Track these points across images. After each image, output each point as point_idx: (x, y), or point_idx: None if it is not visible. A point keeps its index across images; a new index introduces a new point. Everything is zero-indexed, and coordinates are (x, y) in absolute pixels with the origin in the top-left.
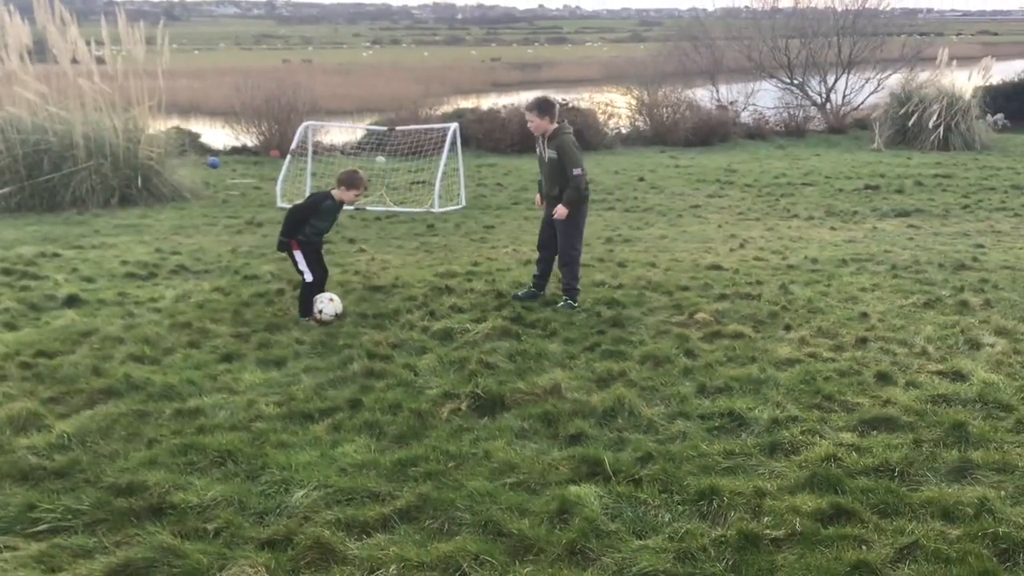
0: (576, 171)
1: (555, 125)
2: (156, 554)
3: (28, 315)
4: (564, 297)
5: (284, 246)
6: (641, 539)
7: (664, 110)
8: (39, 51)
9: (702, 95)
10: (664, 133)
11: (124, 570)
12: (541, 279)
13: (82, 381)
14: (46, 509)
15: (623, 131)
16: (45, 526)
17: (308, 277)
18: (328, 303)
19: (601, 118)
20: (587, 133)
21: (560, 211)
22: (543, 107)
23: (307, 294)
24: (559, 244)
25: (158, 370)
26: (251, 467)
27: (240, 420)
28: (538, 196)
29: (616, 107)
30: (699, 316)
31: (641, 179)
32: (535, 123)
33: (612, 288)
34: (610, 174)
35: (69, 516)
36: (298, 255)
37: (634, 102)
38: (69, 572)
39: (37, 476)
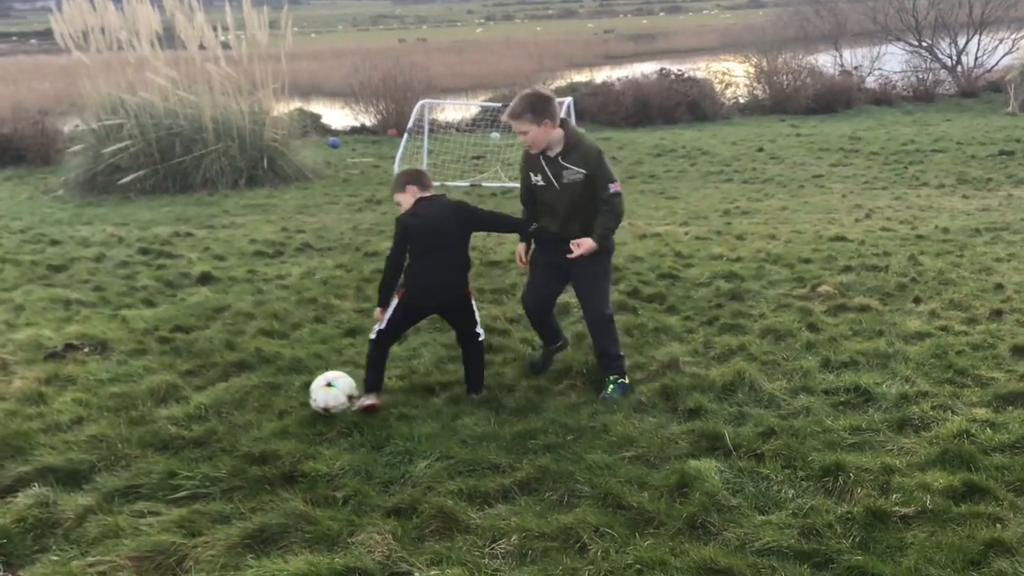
0: (613, 187)
1: (560, 130)
2: (289, 520)
3: (165, 292)
4: (610, 377)
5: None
6: (764, 514)
7: (784, 77)
8: (168, 38)
9: (824, 61)
10: (784, 101)
11: (259, 535)
12: (553, 339)
13: (216, 355)
14: (186, 476)
15: (741, 100)
16: (185, 492)
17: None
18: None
19: (718, 88)
20: (703, 103)
21: (587, 245)
22: (537, 107)
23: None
24: (587, 304)
25: (287, 344)
26: (376, 438)
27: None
28: (521, 247)
29: (734, 76)
30: (822, 289)
31: (760, 149)
32: (532, 134)
33: (731, 261)
34: (727, 145)
35: (207, 483)
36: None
37: (752, 70)
38: (208, 536)
39: (177, 445)
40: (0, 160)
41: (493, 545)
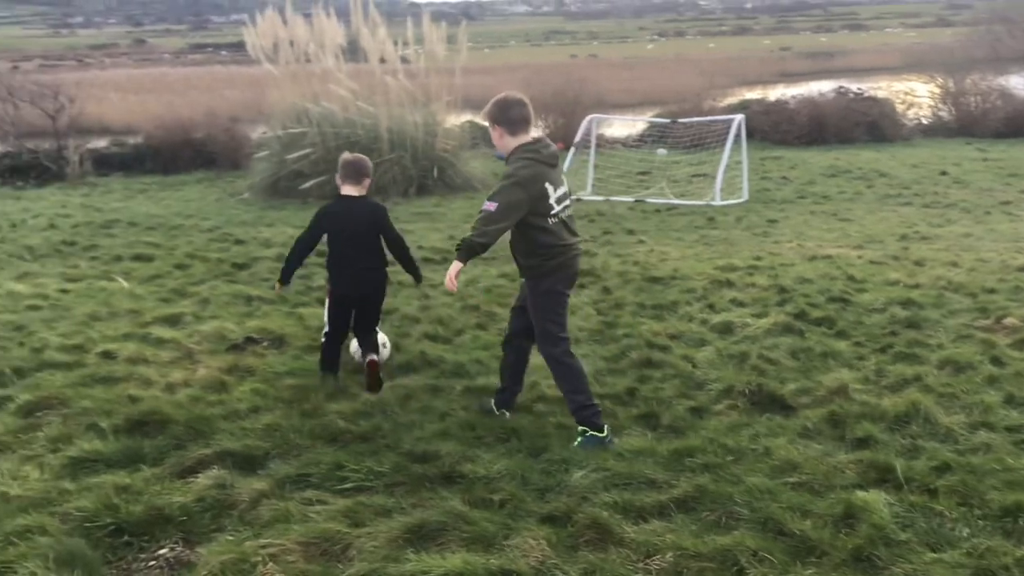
0: (487, 204)
1: (516, 140)
2: (447, 518)
3: None
4: (579, 428)
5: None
6: (935, 552)
7: (972, 99)
8: (351, 51)
9: (1016, 83)
10: (971, 124)
11: (419, 530)
12: (506, 391)
13: None
14: (352, 469)
15: (924, 121)
16: (351, 484)
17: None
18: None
19: (899, 108)
20: (883, 124)
21: (450, 272)
22: (491, 110)
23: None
24: (537, 339)
25: (450, 349)
26: (533, 446)
27: (523, 401)
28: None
29: (917, 96)
30: (1008, 321)
31: (943, 173)
32: (492, 136)
33: (908, 288)
34: (907, 167)
35: (371, 477)
36: None
37: (937, 91)
38: (371, 528)
39: (345, 439)
40: (194, 163)
41: (647, 560)
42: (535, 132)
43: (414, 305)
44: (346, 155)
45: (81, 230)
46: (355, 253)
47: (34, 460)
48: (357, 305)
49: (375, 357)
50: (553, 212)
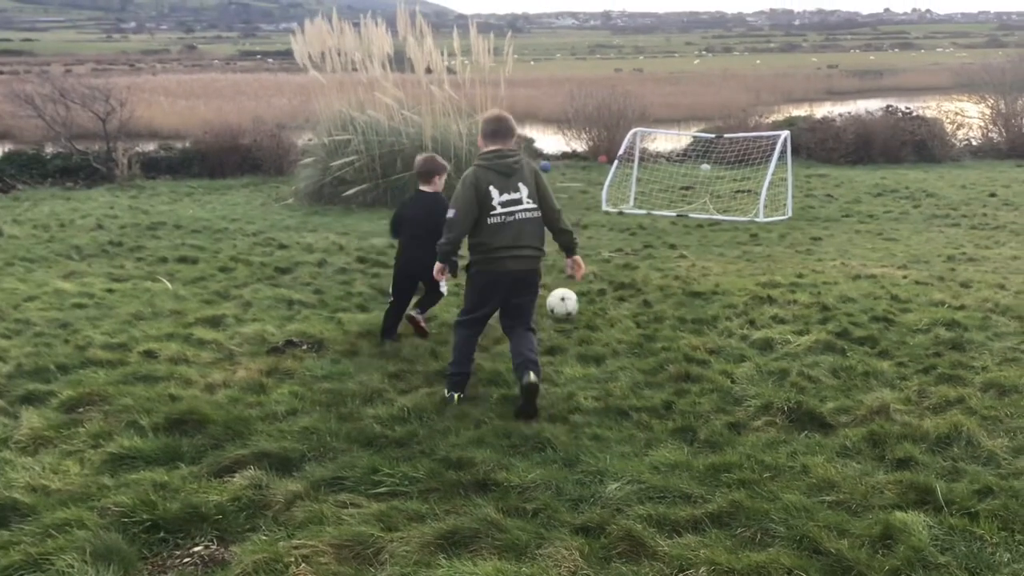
0: (449, 212)
1: (485, 149)
2: (480, 526)
3: (378, 299)
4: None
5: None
6: None
7: None
8: (398, 60)
9: None
10: (1022, 146)
11: (451, 537)
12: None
13: (420, 362)
14: (386, 474)
15: (973, 142)
16: (385, 489)
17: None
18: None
19: (949, 128)
20: (931, 144)
21: (435, 268)
22: (480, 125)
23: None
24: None
25: (487, 358)
26: (568, 456)
27: (559, 411)
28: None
29: (967, 116)
30: None
31: (992, 195)
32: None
33: (953, 309)
34: (956, 188)
35: (406, 482)
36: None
37: (988, 112)
38: (404, 532)
39: (380, 443)
40: (240, 168)
41: (681, 574)
42: (510, 145)
43: (453, 313)
44: (417, 157)
45: (128, 231)
46: (412, 237)
47: (75, 455)
48: (414, 282)
49: (413, 314)
50: (494, 212)
